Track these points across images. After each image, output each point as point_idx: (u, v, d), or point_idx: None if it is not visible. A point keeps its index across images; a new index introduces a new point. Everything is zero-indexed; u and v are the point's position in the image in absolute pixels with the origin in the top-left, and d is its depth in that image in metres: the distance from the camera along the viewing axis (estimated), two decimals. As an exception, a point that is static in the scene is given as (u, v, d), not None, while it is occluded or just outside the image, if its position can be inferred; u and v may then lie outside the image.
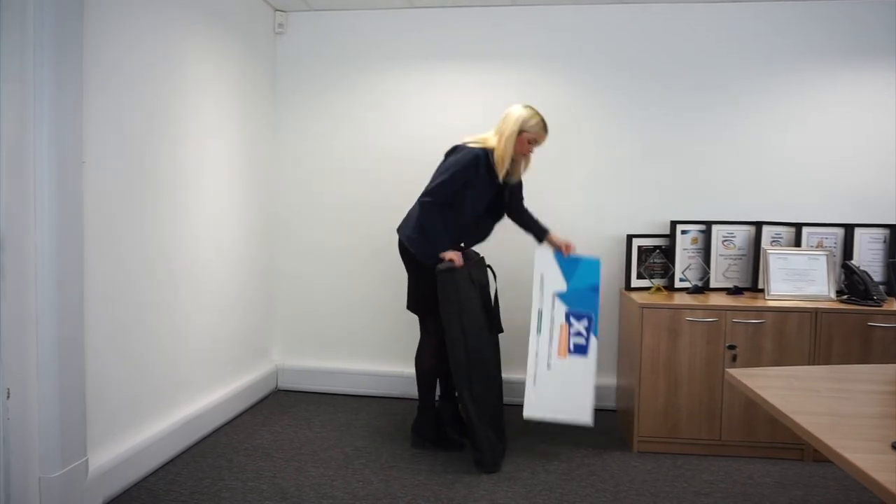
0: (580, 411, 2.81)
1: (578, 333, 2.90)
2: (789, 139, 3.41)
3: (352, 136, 3.71)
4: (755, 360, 2.86)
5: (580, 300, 2.94)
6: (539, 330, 2.90)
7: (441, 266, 2.70)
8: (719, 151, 3.45)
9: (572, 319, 2.93)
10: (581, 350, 2.88)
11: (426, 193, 2.75)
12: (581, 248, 3.54)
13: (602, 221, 3.54)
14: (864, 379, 1.83)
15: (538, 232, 3.02)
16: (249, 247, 3.49)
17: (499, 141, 2.73)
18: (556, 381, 2.85)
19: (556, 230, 3.55)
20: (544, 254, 2.99)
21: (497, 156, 2.73)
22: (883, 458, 1.20)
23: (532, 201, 3.57)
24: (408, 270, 2.92)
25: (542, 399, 2.84)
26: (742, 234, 3.35)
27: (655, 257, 3.36)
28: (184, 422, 2.84)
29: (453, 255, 2.72)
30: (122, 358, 2.47)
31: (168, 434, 2.72)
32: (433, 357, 2.89)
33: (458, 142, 2.88)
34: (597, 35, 3.50)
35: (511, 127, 2.72)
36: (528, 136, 2.74)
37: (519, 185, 3.00)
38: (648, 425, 2.94)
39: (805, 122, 3.39)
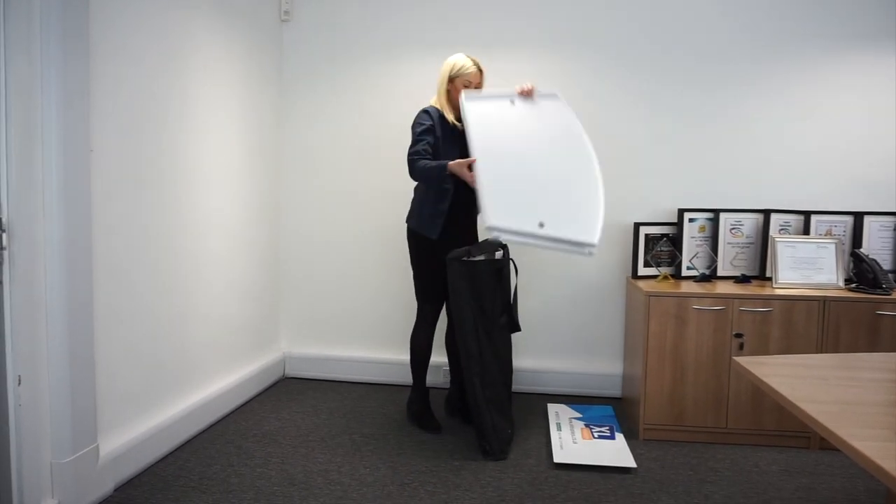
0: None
1: None
2: (798, 126, 3.37)
3: (358, 124, 3.71)
4: (762, 349, 2.86)
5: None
6: None
7: (451, 254, 2.72)
8: (727, 139, 3.43)
9: None
10: None
11: (408, 156, 2.81)
12: (588, 237, 3.54)
13: (609, 209, 3.48)
14: (871, 367, 1.82)
15: None
16: (257, 234, 3.50)
17: (438, 93, 2.88)
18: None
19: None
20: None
21: (439, 106, 2.86)
22: (890, 445, 1.20)
23: (539, 189, 3.57)
24: (410, 257, 3.01)
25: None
26: (750, 222, 3.33)
27: (662, 245, 3.35)
28: (193, 408, 2.86)
29: (457, 164, 2.66)
30: (132, 345, 2.49)
31: (177, 420, 2.74)
32: (425, 339, 3.00)
33: None
34: (605, 22, 3.47)
35: (441, 76, 2.87)
36: (462, 81, 2.83)
37: None
38: (654, 413, 2.95)
39: (814, 109, 3.36)
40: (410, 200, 3.00)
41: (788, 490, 2.48)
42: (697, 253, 3.33)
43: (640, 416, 2.97)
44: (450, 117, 2.86)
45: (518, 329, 3.07)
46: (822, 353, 2.81)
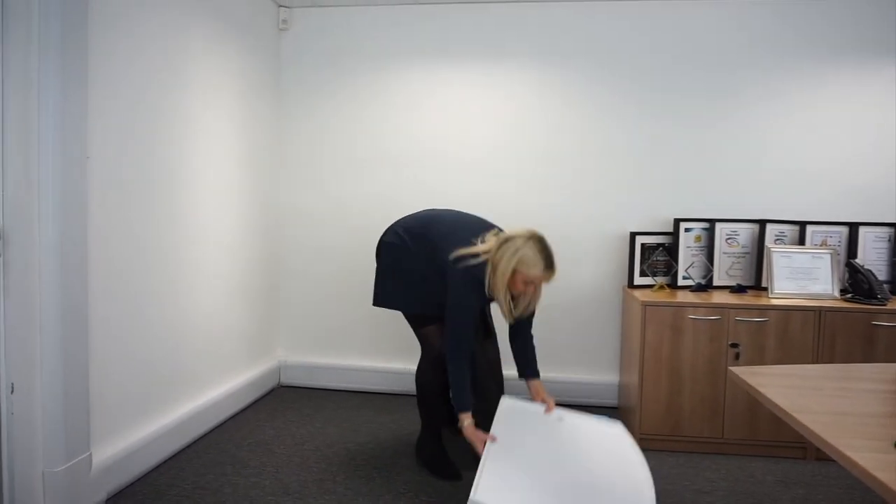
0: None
1: None
2: (794, 136, 3.39)
3: (356, 133, 3.71)
4: (758, 359, 2.86)
5: None
6: None
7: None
8: (723, 149, 3.44)
9: None
10: None
11: (454, 338, 2.37)
12: (585, 245, 3.56)
13: (605, 218, 3.54)
14: (867, 378, 1.83)
15: (528, 367, 2.60)
16: (253, 243, 3.50)
17: (492, 271, 2.30)
18: None
19: (560, 227, 3.56)
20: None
21: (491, 285, 2.32)
22: (886, 457, 1.20)
23: (537, 198, 3.59)
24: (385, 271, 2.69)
25: None
26: (746, 232, 3.34)
27: (658, 255, 3.36)
28: (187, 417, 2.85)
29: (476, 439, 2.25)
30: (126, 353, 2.48)
31: (171, 429, 2.73)
32: (433, 372, 2.62)
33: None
34: (601, 32, 3.49)
35: (505, 263, 2.27)
36: (523, 277, 2.29)
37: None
38: (651, 423, 2.94)
39: (810, 120, 3.38)
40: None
41: (784, 501, 2.47)
42: (693, 262, 3.34)
43: (637, 425, 2.96)
44: (501, 305, 2.39)
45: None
46: (817, 363, 2.81)
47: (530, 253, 2.28)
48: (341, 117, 3.73)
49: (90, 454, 2.24)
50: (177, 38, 2.74)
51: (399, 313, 2.75)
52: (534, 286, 2.37)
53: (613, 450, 2.23)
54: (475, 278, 2.32)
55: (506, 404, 2.41)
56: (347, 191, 3.73)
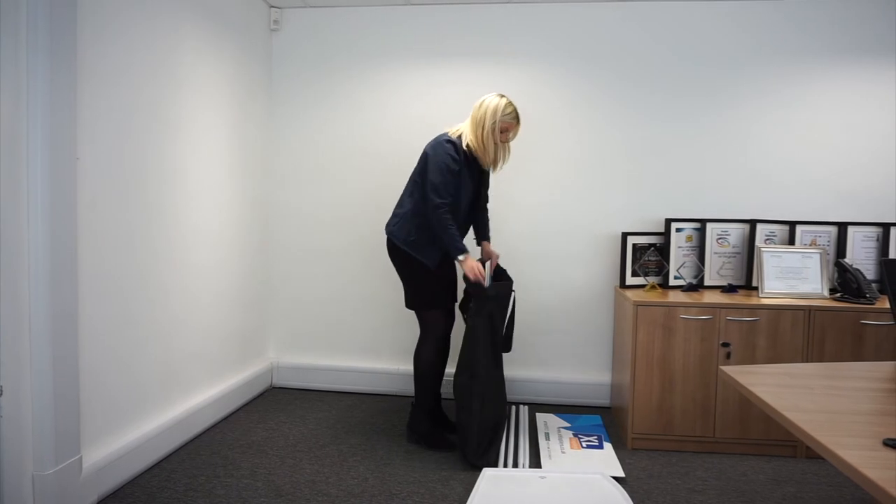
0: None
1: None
2: (784, 137, 3.42)
3: (347, 134, 3.71)
4: (749, 358, 2.88)
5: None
6: None
7: (486, 292, 2.75)
8: (714, 149, 3.46)
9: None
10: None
11: (433, 195, 2.68)
12: (577, 246, 3.57)
13: (597, 219, 3.55)
14: (856, 376, 1.84)
15: (482, 234, 3.09)
16: (244, 244, 3.49)
17: (477, 133, 2.77)
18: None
19: (553, 227, 3.58)
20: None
21: (477, 147, 2.77)
22: (874, 454, 1.21)
23: (529, 199, 3.60)
24: (399, 270, 2.91)
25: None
26: (736, 232, 3.36)
27: (650, 255, 3.37)
28: (178, 419, 2.83)
29: (474, 267, 2.71)
30: (117, 355, 2.47)
31: (163, 431, 2.71)
32: (434, 353, 2.88)
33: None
34: (592, 33, 3.50)
35: (490, 119, 2.74)
36: (503, 126, 2.77)
37: (487, 179, 3.02)
38: (643, 422, 2.95)
39: (799, 121, 3.41)
40: (397, 212, 2.89)
41: (775, 499, 2.49)
42: (685, 262, 3.35)
43: (629, 425, 2.97)
44: (486, 159, 2.81)
45: (509, 349, 3.03)
46: (807, 362, 2.83)
47: (503, 104, 2.76)
48: (333, 117, 3.72)
49: (80, 457, 2.23)
50: (167, 39, 2.72)
51: (396, 313, 2.84)
52: (507, 137, 2.82)
53: (597, 498, 2.36)
54: (447, 143, 2.74)
55: (488, 474, 2.54)
56: (339, 191, 3.73)
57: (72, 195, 2.16)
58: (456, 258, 2.73)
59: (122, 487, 2.44)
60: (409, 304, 2.93)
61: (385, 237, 2.91)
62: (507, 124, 2.78)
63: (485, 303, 2.74)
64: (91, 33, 2.26)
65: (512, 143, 3.57)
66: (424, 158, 2.79)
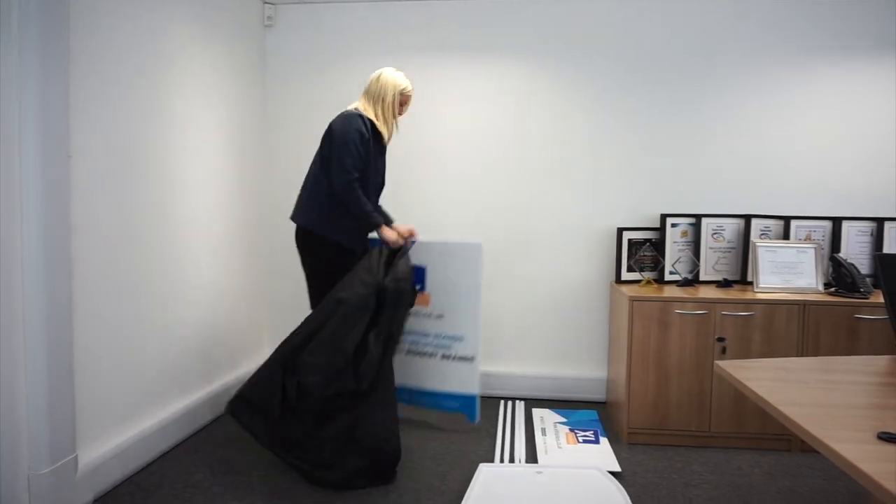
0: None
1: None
2: (779, 133, 3.42)
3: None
4: (744, 352, 2.89)
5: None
6: None
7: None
8: (709, 145, 3.47)
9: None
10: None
11: (344, 171, 2.59)
12: (573, 241, 3.57)
13: (592, 214, 3.55)
14: (851, 370, 1.85)
15: (386, 218, 2.91)
16: (240, 239, 3.48)
17: (380, 107, 2.75)
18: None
19: (548, 223, 3.58)
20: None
21: (381, 121, 2.74)
22: (868, 447, 1.21)
23: (523, 194, 3.60)
24: (313, 262, 2.74)
25: None
26: (731, 227, 3.37)
27: (645, 250, 3.38)
28: (175, 416, 2.83)
29: (396, 231, 2.77)
30: (112, 353, 2.46)
31: (159, 429, 2.71)
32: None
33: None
34: (587, 29, 3.50)
35: (391, 91, 2.75)
36: (403, 99, 2.80)
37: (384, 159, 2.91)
38: (638, 417, 2.96)
39: (794, 116, 3.41)
40: (306, 196, 2.74)
41: (770, 493, 2.50)
42: (680, 258, 3.36)
43: (625, 420, 2.98)
44: (386, 133, 2.78)
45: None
46: (802, 356, 2.84)
47: (401, 76, 2.80)
48: (327, 114, 3.68)
49: (76, 455, 2.22)
50: (160, 36, 2.71)
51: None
52: (403, 111, 2.85)
53: (594, 496, 2.36)
54: (355, 118, 2.66)
55: (485, 470, 2.55)
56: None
57: (65, 192, 2.15)
58: (375, 230, 2.72)
59: (118, 486, 2.44)
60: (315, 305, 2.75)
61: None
62: (406, 97, 2.80)
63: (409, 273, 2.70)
64: (83, 30, 2.24)
65: (508, 139, 3.59)
66: (329, 130, 2.69)
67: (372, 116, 2.72)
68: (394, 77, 2.77)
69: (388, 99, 2.74)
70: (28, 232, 2.03)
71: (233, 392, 3.33)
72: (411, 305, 2.77)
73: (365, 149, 2.65)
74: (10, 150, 1.98)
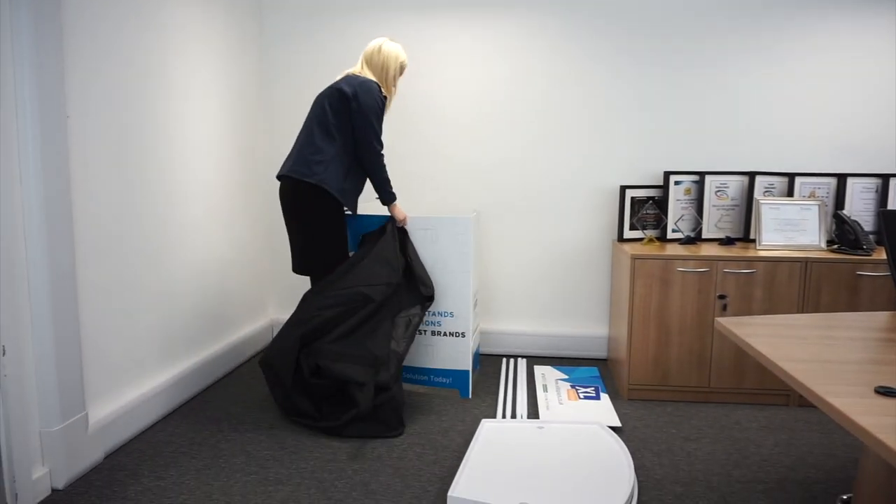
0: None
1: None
2: (783, 89, 3.36)
3: (342, 88, 3.64)
4: (745, 310, 2.90)
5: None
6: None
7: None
8: (713, 101, 3.41)
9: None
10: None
11: (377, 141, 2.70)
12: (575, 199, 3.56)
13: (596, 172, 3.52)
14: (850, 326, 1.86)
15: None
16: (242, 200, 3.47)
17: (383, 78, 2.78)
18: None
19: (551, 182, 3.55)
20: None
21: (385, 91, 2.78)
22: (866, 401, 1.23)
23: (527, 152, 3.56)
24: (319, 223, 2.70)
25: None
26: (735, 185, 3.35)
27: (648, 208, 3.36)
28: (182, 375, 2.87)
29: (402, 212, 2.86)
30: (118, 314, 2.48)
31: (167, 388, 2.75)
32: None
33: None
34: (591, -20, 3.41)
35: (394, 63, 2.79)
36: (402, 71, 2.86)
37: None
38: (639, 374, 2.99)
39: (798, 72, 3.34)
40: (317, 158, 2.65)
41: (767, 446, 2.54)
42: (683, 216, 3.34)
43: (625, 376, 3.01)
44: (390, 104, 2.88)
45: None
46: (803, 313, 2.85)
47: (401, 48, 2.83)
48: (325, 69, 3.62)
49: (86, 413, 2.26)
50: (157, 5, 2.65)
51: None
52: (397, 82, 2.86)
53: (594, 450, 2.39)
54: (377, 87, 2.71)
55: (487, 425, 2.58)
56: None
57: (64, 154, 2.13)
58: (389, 202, 2.82)
59: (128, 442, 2.49)
60: (317, 267, 2.77)
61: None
62: (404, 69, 2.86)
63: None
64: (78, 4, 2.19)
65: (505, 97, 3.54)
66: (355, 101, 2.64)
67: (383, 87, 2.77)
68: (395, 50, 2.80)
69: (391, 72, 2.79)
70: (28, 194, 2.02)
71: (235, 352, 3.39)
72: (431, 300, 2.89)
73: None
74: (6, 112, 1.96)
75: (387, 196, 2.80)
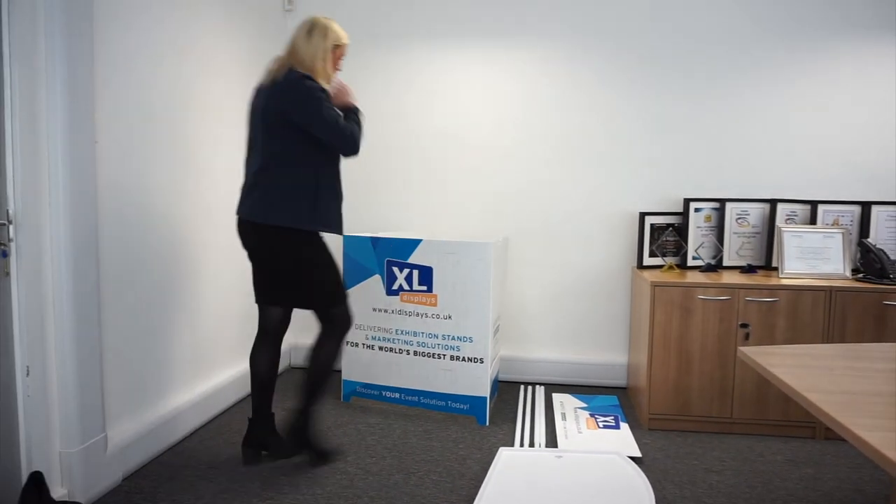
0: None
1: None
2: (805, 115, 3.35)
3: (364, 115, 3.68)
4: (768, 339, 2.85)
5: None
6: None
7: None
8: (733, 128, 3.41)
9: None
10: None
11: (337, 124, 2.32)
12: (594, 226, 3.55)
13: (615, 199, 3.52)
14: (878, 357, 1.82)
15: None
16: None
17: (316, 62, 2.34)
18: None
19: (569, 208, 3.56)
20: None
21: (321, 77, 2.36)
22: (895, 435, 1.19)
23: (546, 179, 3.58)
24: (295, 261, 2.38)
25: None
26: (756, 212, 3.32)
27: (668, 235, 3.34)
28: (201, 398, 2.89)
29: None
30: (138, 336, 2.51)
31: (185, 410, 2.76)
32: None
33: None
34: (609, 11, 3.44)
35: (326, 45, 2.36)
36: (340, 52, 2.44)
37: None
38: (660, 403, 2.95)
39: (821, 98, 3.33)
40: (274, 187, 2.33)
41: (793, 480, 2.48)
42: (703, 243, 3.32)
43: (645, 405, 2.97)
44: (325, 85, 2.38)
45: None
46: (828, 343, 2.80)
47: (333, 25, 2.40)
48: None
49: (105, 435, 2.28)
50: (183, 20, 2.73)
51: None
52: (341, 55, 2.46)
53: (614, 480, 2.35)
54: (309, 79, 2.31)
55: (505, 454, 2.57)
56: (352, 171, 3.70)
57: (92, 179, 2.18)
58: (358, 114, 2.48)
59: (146, 465, 2.50)
60: (312, 303, 2.47)
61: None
62: (342, 49, 2.45)
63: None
64: (107, 15, 2.26)
65: (526, 124, 3.56)
66: (290, 101, 2.27)
67: (312, 70, 2.37)
68: (326, 28, 2.39)
69: (321, 54, 2.37)
70: (56, 218, 2.06)
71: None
72: None
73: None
74: (37, 137, 2.01)
75: (358, 122, 2.47)
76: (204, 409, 2.92)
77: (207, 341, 3.00)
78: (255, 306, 3.52)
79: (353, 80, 3.66)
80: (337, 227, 2.47)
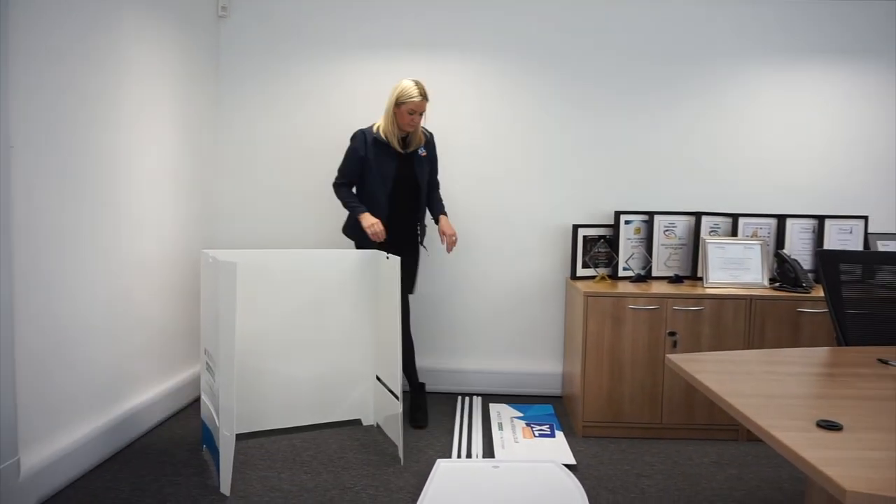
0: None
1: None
2: (728, 133, 3.53)
3: (297, 124, 3.64)
4: (695, 346, 2.97)
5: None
6: None
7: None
8: (662, 144, 3.55)
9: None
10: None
11: (337, 175, 3.10)
12: (529, 237, 3.61)
13: (549, 211, 3.59)
14: (793, 361, 1.92)
15: (434, 210, 3.22)
16: (190, 236, 3.39)
17: (382, 117, 3.01)
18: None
19: (506, 219, 3.60)
20: None
21: (383, 131, 2.99)
22: (809, 435, 1.26)
23: (481, 191, 3.61)
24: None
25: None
26: (682, 224, 3.46)
27: (600, 246, 3.44)
28: (125, 417, 2.75)
29: (372, 222, 2.93)
30: (58, 352, 2.37)
31: (108, 430, 2.62)
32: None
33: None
34: (539, 27, 3.53)
35: (389, 101, 2.96)
36: (407, 108, 2.91)
37: (432, 164, 3.20)
38: (593, 410, 3.01)
39: (743, 117, 3.52)
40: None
41: (719, 481, 2.58)
42: (633, 254, 3.43)
43: (580, 413, 3.03)
44: (392, 141, 2.98)
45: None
46: (749, 348, 2.94)
47: (407, 84, 2.92)
48: (282, 108, 3.65)
49: (18, 459, 2.13)
50: (107, 24, 2.61)
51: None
52: (417, 115, 2.95)
53: (550, 489, 2.40)
54: (355, 133, 3.05)
55: (442, 465, 2.57)
56: (288, 182, 3.66)
57: (5, 185, 2.06)
58: (356, 215, 2.98)
59: (63, 489, 2.36)
60: (412, 289, 3.22)
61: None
62: (411, 105, 2.91)
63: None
64: (23, 16, 2.15)
65: (464, 138, 3.59)
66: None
67: (381, 126, 3.01)
68: (395, 88, 2.95)
69: (387, 109, 2.98)
70: (-35, 227, 1.94)
71: (183, 392, 3.27)
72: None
73: (352, 164, 3.04)
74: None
75: (353, 212, 3.03)
76: (129, 428, 2.78)
77: (133, 356, 2.87)
78: (182, 322, 3.40)
79: (295, 86, 3.63)
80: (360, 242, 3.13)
